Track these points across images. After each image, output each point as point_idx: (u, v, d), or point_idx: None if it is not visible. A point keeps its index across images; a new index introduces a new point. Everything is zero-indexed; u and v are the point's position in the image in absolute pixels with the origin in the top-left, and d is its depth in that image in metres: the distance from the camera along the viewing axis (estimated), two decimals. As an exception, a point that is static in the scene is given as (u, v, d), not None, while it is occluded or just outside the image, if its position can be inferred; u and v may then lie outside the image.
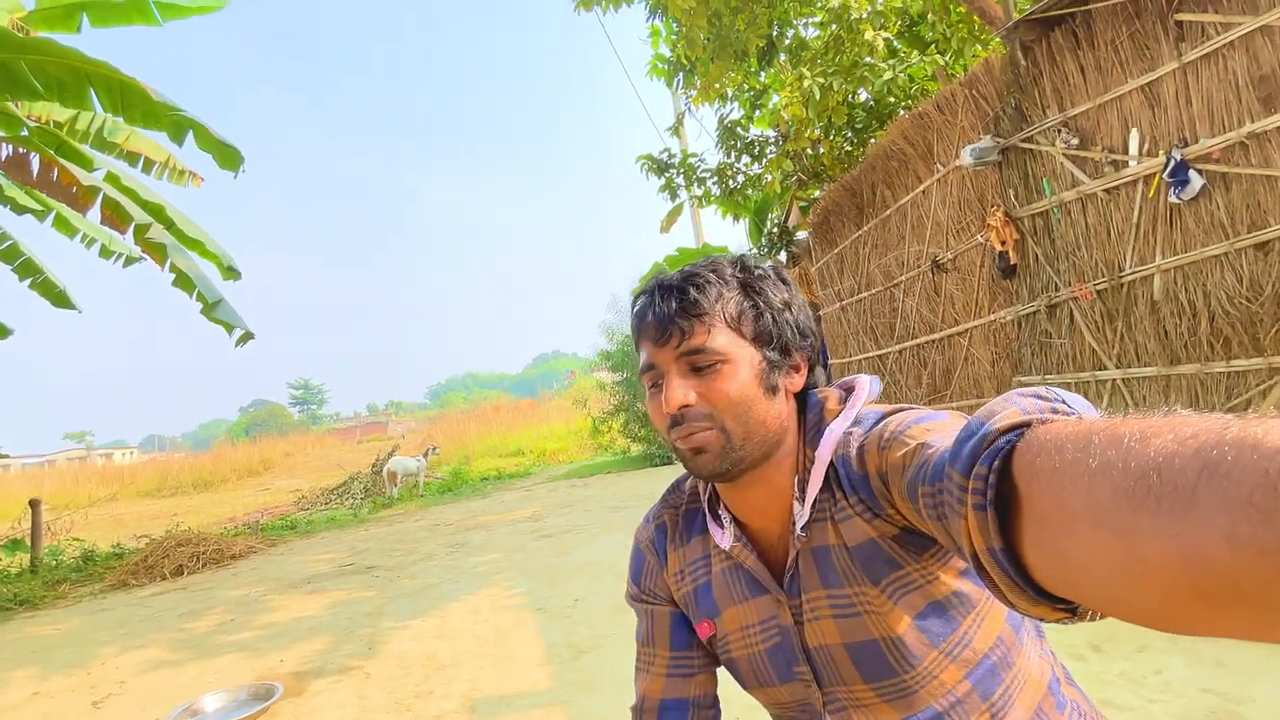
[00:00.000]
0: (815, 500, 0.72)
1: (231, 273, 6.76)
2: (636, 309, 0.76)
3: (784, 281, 0.77)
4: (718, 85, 7.25)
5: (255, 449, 26.23)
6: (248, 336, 6.07)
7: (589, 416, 13.84)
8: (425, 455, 12.59)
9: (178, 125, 5.19)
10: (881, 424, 0.67)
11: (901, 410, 0.68)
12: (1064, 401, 0.43)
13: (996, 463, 0.40)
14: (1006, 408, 0.43)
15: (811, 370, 0.77)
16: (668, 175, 8.50)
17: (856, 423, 0.71)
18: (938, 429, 0.60)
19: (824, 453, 0.71)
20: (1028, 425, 0.41)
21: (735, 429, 0.69)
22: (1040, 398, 0.44)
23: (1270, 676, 2.16)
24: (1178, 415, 0.31)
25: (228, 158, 5.51)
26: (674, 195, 8.77)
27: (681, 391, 0.69)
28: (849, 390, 0.76)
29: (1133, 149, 3.65)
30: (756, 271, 0.76)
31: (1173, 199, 3.42)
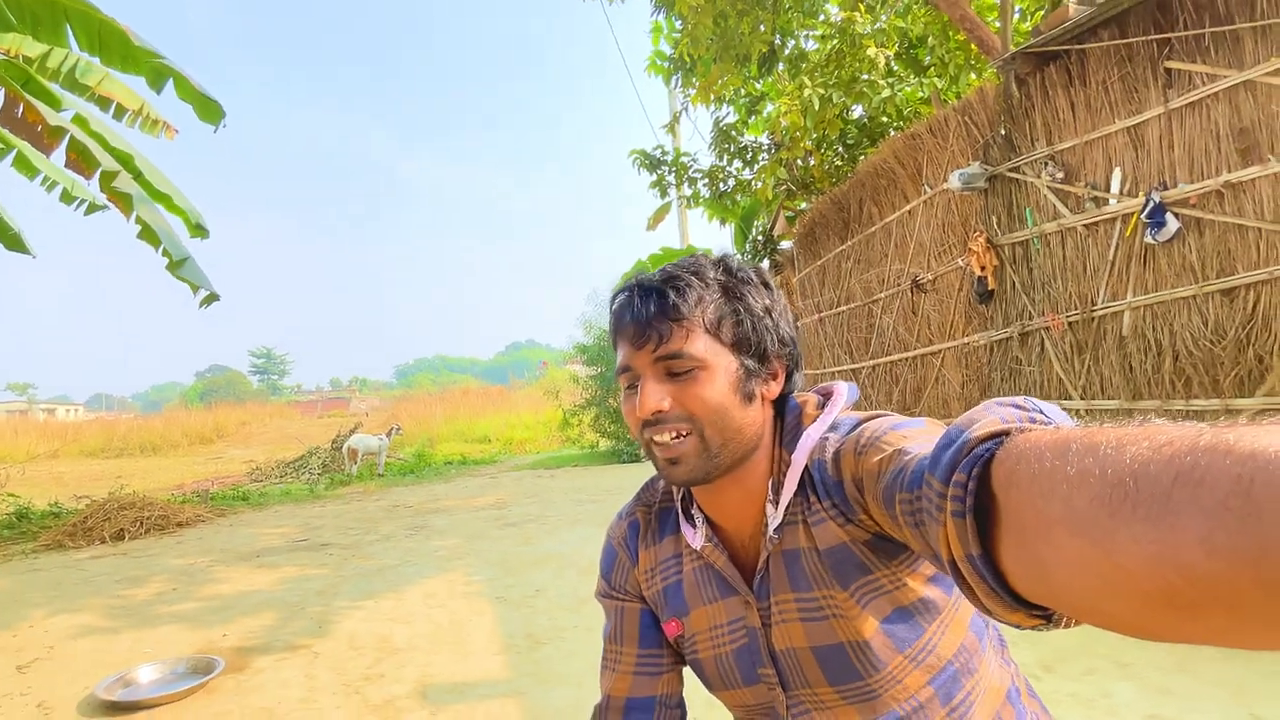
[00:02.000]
0: (789, 503, 0.72)
1: (200, 230, 6.52)
2: (615, 306, 0.74)
3: (767, 286, 0.76)
4: (716, 87, 7.26)
5: (210, 415, 25.32)
6: (213, 298, 5.85)
7: (560, 408, 13.74)
8: (388, 434, 12.30)
9: (157, 72, 4.98)
10: (858, 430, 0.67)
11: (878, 417, 0.68)
12: (1041, 411, 0.44)
13: (976, 470, 0.40)
14: (985, 416, 0.43)
15: (790, 377, 0.76)
16: (659, 172, 8.50)
17: (833, 428, 0.71)
18: (914, 436, 0.60)
19: (799, 457, 0.71)
20: (1006, 434, 0.41)
21: (712, 435, 0.69)
22: (1018, 407, 0.44)
23: (1213, 705, 2.24)
24: (1152, 424, 0.32)
25: (208, 110, 5.32)
26: (664, 193, 8.77)
27: (656, 397, 0.68)
28: (827, 396, 0.76)
29: (1114, 188, 3.75)
30: (739, 275, 0.74)
31: (1149, 239, 3.52)
